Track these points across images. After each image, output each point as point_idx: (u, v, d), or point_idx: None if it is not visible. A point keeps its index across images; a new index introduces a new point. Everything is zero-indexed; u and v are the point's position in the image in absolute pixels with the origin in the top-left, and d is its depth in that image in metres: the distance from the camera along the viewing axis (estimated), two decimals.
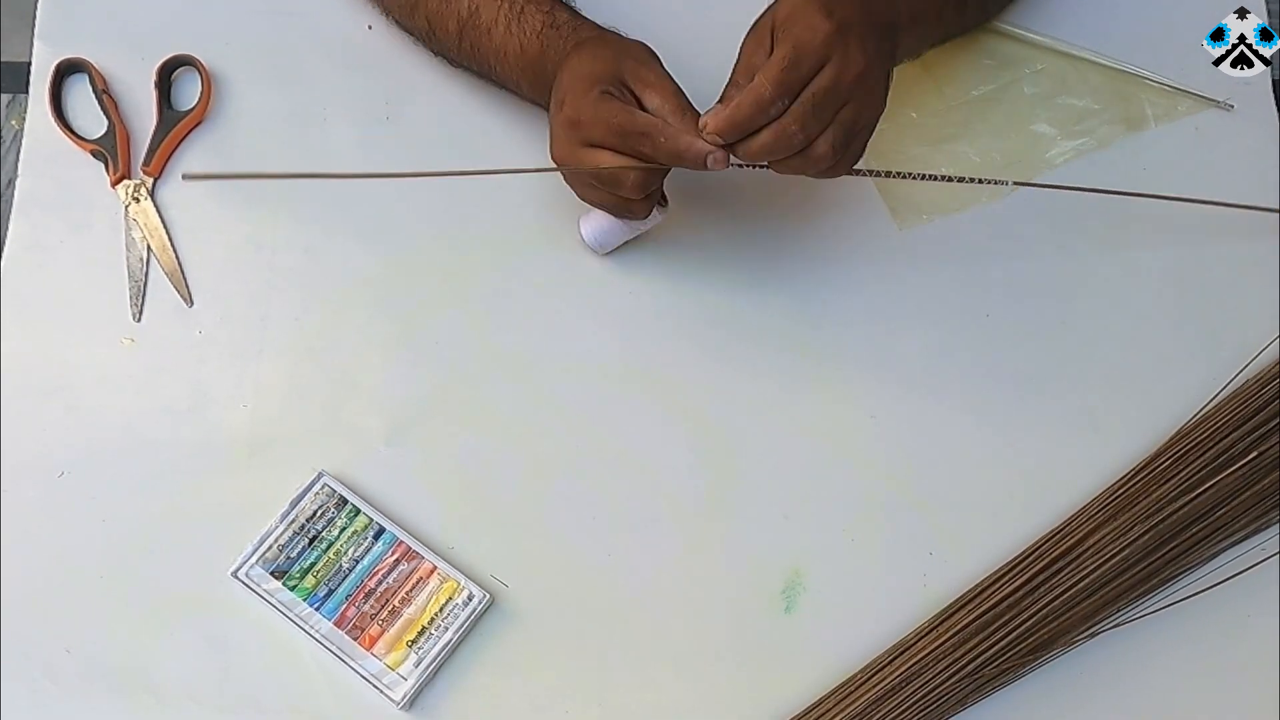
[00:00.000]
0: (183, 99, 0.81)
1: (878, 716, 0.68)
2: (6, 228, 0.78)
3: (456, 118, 0.81)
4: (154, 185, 0.79)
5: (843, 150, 0.65)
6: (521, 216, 0.79)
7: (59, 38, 0.82)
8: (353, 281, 0.78)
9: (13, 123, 0.80)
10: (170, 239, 0.78)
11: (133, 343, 0.76)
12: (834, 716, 0.68)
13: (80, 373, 0.75)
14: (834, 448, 0.75)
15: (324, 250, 0.78)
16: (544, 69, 0.72)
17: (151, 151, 0.79)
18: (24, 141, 0.80)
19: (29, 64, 0.82)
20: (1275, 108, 0.83)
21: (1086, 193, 0.76)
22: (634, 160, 0.66)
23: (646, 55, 0.69)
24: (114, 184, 0.78)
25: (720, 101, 0.66)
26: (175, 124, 0.80)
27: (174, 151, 0.80)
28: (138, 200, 0.78)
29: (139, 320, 0.76)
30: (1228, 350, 0.77)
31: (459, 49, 0.77)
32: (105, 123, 0.79)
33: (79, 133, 0.79)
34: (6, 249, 0.77)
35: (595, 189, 0.70)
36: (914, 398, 0.76)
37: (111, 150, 0.79)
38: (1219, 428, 0.73)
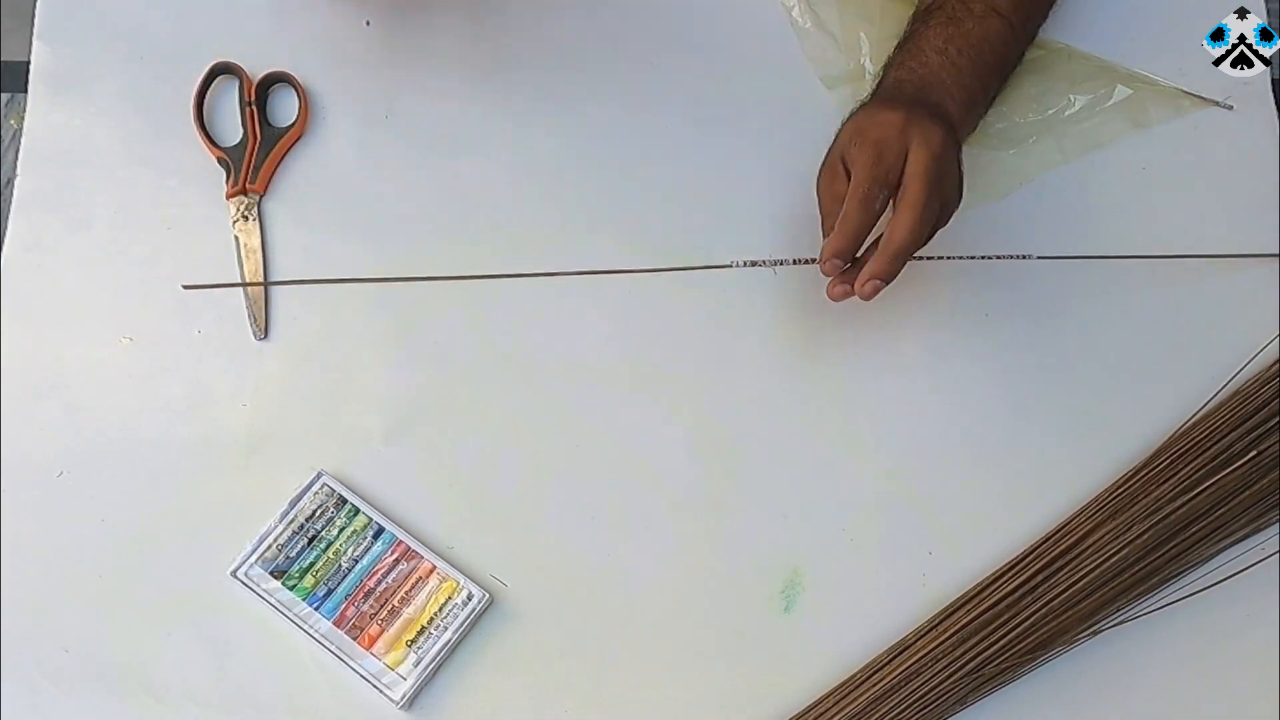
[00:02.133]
0: (278, 115, 0.81)
1: (877, 716, 0.68)
2: (6, 227, 0.78)
3: (454, 115, 0.81)
4: (260, 203, 0.78)
5: (953, 208, 0.69)
6: (519, 214, 0.79)
7: (58, 38, 0.82)
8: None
9: (11, 122, 0.80)
10: (265, 263, 0.77)
11: (132, 342, 0.76)
12: (833, 716, 0.68)
13: (80, 372, 0.75)
14: (834, 448, 0.75)
15: (324, 250, 0.78)
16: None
17: (255, 169, 0.78)
18: (23, 141, 0.80)
19: (28, 64, 0.81)
20: (1275, 108, 0.83)
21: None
22: None
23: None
24: (229, 196, 0.78)
25: (827, 236, 0.69)
26: (276, 141, 0.79)
27: (277, 168, 0.79)
28: (246, 219, 0.77)
29: (265, 337, 0.75)
30: (1228, 350, 0.77)
31: None
32: (240, 133, 0.79)
33: (212, 137, 0.79)
34: (5, 248, 0.77)
35: None
36: (914, 398, 0.76)
37: (238, 162, 0.78)
38: (1219, 428, 0.73)
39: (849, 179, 0.68)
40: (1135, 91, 0.83)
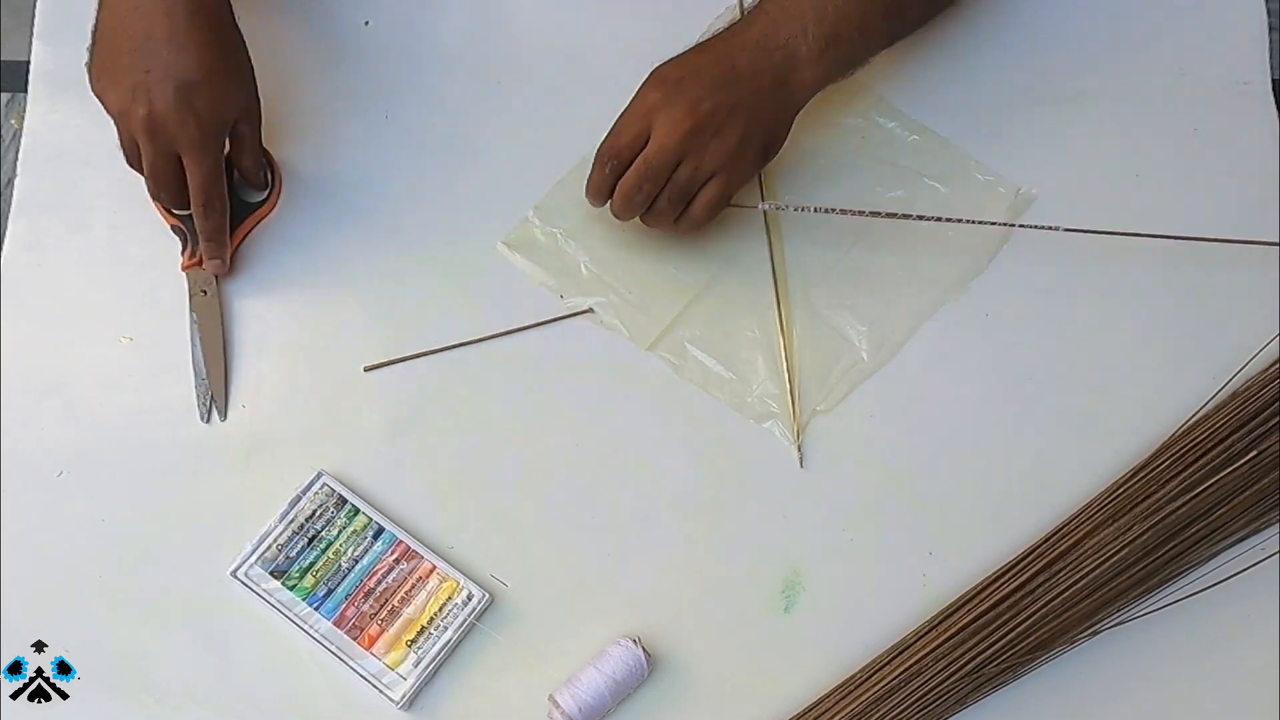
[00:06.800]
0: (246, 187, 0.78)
1: (878, 716, 0.68)
2: (6, 227, 0.78)
3: (455, 114, 0.81)
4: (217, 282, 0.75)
5: (679, 203, 0.72)
6: (519, 214, 0.79)
7: (58, 38, 0.82)
8: (352, 280, 0.78)
9: (12, 122, 0.80)
10: (225, 343, 0.74)
11: (132, 342, 0.76)
12: (834, 716, 0.68)
13: (80, 372, 0.75)
14: (834, 447, 0.75)
15: (323, 249, 0.78)
16: None
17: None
18: (23, 141, 0.80)
19: (28, 64, 0.81)
20: (1275, 108, 0.83)
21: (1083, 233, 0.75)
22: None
23: (255, 100, 0.72)
24: (185, 268, 0.75)
25: None
26: (245, 216, 0.76)
27: (241, 244, 0.76)
28: (204, 293, 0.74)
29: (208, 421, 0.73)
30: (1228, 350, 0.77)
31: None
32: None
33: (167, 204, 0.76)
34: (6, 248, 0.77)
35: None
36: (914, 397, 0.76)
37: (194, 232, 0.74)
38: (1219, 428, 0.73)
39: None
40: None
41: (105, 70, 0.69)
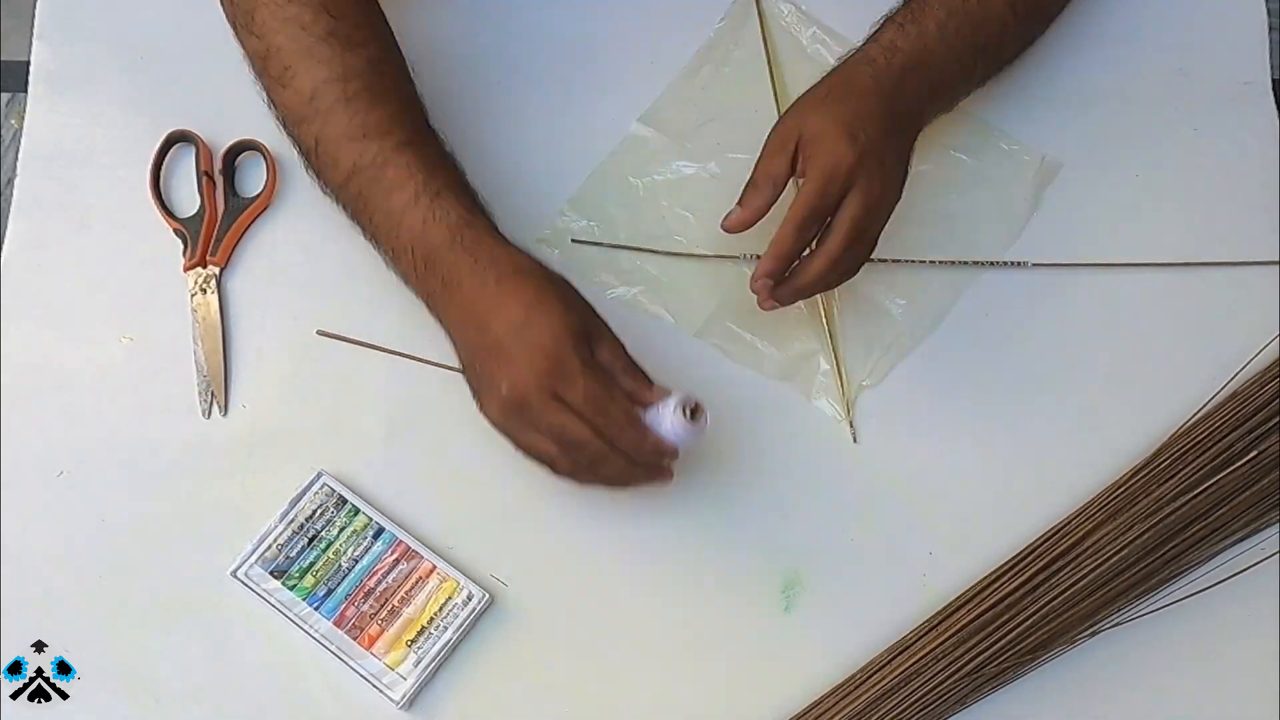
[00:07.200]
0: (245, 182, 0.79)
1: (877, 716, 0.68)
2: (6, 227, 0.78)
3: (455, 113, 0.81)
4: (220, 276, 0.76)
5: (867, 256, 0.70)
6: (518, 214, 0.79)
7: (58, 38, 0.82)
8: (353, 280, 0.77)
9: (12, 122, 0.80)
10: (225, 341, 0.75)
11: (132, 342, 0.76)
12: (834, 716, 0.68)
13: (80, 372, 0.75)
14: (834, 447, 0.75)
15: (323, 248, 0.78)
16: (442, 258, 0.66)
17: (218, 241, 0.76)
18: (23, 141, 0.80)
19: (28, 64, 0.81)
20: (1275, 107, 0.83)
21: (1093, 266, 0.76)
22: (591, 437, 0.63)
23: (586, 302, 0.66)
24: (186, 269, 0.76)
25: (740, 205, 0.69)
26: (241, 211, 0.77)
27: (239, 241, 0.77)
28: (204, 292, 0.76)
29: (208, 417, 0.74)
30: (1228, 350, 0.77)
31: (342, 188, 0.69)
32: (197, 203, 0.77)
33: (168, 206, 0.78)
34: (6, 248, 0.77)
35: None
36: (914, 397, 0.76)
37: (195, 234, 0.76)
38: (1219, 428, 0.73)
39: (792, 166, 0.68)
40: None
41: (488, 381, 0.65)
